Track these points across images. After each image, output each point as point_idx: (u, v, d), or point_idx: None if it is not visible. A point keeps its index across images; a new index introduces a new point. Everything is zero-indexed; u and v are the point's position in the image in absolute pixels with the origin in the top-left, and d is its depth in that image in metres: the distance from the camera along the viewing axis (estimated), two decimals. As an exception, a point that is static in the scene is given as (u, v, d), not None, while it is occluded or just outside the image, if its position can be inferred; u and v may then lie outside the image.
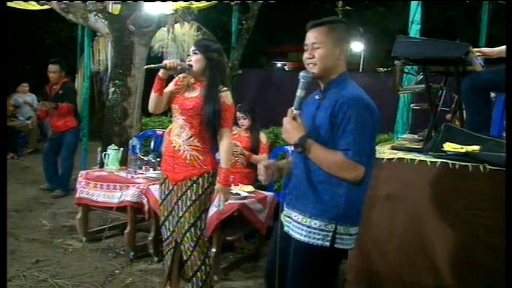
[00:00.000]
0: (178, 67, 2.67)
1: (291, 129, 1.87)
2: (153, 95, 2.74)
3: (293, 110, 1.88)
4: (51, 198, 5.43)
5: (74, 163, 5.80)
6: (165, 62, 2.69)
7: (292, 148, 1.94)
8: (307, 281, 1.92)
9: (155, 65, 2.72)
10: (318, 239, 1.87)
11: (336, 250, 1.89)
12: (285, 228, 2.00)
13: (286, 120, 1.88)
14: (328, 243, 1.86)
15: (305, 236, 1.89)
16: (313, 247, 1.88)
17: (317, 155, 1.84)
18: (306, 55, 1.94)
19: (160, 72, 2.69)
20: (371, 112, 1.84)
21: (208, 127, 2.69)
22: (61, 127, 5.60)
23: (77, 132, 5.81)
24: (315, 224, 1.87)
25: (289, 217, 1.99)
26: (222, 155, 2.75)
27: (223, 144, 2.74)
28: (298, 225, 1.92)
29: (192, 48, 2.76)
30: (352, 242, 1.94)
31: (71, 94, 5.69)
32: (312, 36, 1.91)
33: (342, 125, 1.81)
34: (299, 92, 1.89)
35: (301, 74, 1.90)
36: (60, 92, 5.55)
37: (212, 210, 3.05)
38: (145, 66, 2.85)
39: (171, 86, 2.81)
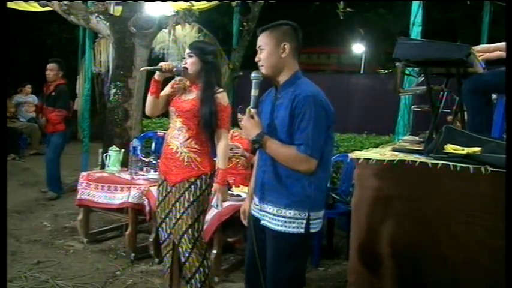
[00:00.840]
0: (174, 69, 2.69)
1: (249, 126, 2.00)
2: (149, 98, 2.76)
3: (251, 109, 2.01)
4: (47, 200, 5.42)
5: (67, 163, 5.79)
6: (160, 64, 2.70)
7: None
8: (287, 266, 2.03)
9: (151, 67, 2.77)
10: (294, 227, 2.01)
11: (309, 234, 2.04)
12: (262, 222, 2.10)
13: (245, 119, 2.01)
14: (302, 230, 2.01)
15: (281, 225, 2.02)
16: (290, 235, 2.01)
17: (273, 149, 1.98)
18: (256, 58, 2.08)
19: (156, 75, 2.71)
20: (325, 108, 1.97)
21: (206, 128, 2.71)
22: (49, 129, 5.59)
23: (64, 134, 5.64)
24: (290, 213, 2.01)
25: (263, 211, 2.09)
26: (220, 155, 2.76)
27: (221, 145, 2.75)
28: (274, 216, 2.04)
29: (187, 50, 2.77)
30: (321, 223, 2.10)
31: (62, 97, 5.59)
32: (259, 40, 2.07)
33: (297, 121, 1.94)
34: (253, 92, 2.03)
35: (252, 74, 2.04)
36: (53, 94, 5.53)
37: (212, 211, 3.05)
38: (142, 68, 2.87)
39: (167, 89, 2.82)
